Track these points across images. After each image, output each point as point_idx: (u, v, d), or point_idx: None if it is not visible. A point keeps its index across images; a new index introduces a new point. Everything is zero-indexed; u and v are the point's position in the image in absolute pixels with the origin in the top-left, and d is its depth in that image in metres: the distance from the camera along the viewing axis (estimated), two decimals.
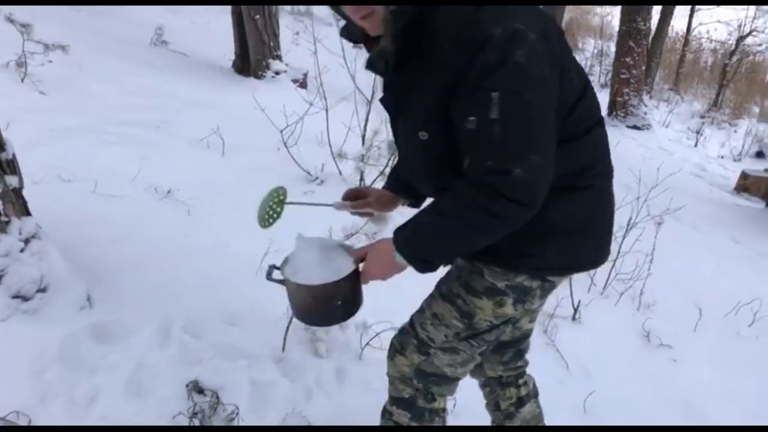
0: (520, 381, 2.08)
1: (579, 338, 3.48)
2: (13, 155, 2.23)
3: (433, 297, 1.74)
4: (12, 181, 2.21)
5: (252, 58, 6.87)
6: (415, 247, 1.49)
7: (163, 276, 2.64)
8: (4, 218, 2.15)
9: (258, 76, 6.83)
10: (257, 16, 6.73)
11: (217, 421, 1.98)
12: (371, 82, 4.15)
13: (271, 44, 6.92)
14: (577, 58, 1.65)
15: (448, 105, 1.38)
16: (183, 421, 1.94)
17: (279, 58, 7.05)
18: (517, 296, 1.63)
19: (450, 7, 1.37)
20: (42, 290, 2.18)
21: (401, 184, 1.86)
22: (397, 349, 1.80)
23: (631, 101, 12.30)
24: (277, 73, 6.85)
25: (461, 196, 1.40)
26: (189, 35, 8.57)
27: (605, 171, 1.64)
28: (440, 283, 1.75)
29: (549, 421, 2.16)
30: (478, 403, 2.17)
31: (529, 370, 2.13)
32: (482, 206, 1.36)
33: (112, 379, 2.04)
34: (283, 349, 2.44)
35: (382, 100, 1.59)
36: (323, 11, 12.64)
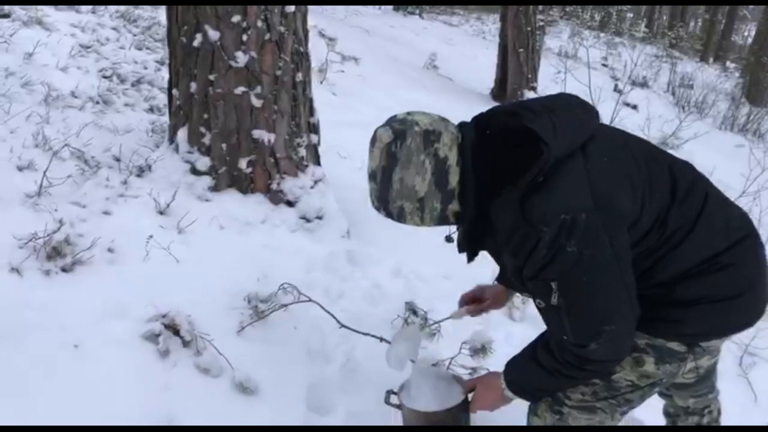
0: (706, 411, 2.02)
1: None
2: (318, 121, 3.09)
3: None
4: (314, 138, 3.07)
5: (509, 87, 7.54)
6: (523, 391, 1.69)
7: (400, 234, 3.32)
8: (305, 162, 3.01)
9: None
10: (521, 50, 7.38)
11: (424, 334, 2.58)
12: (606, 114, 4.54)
13: (529, 76, 7.52)
14: None
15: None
16: (399, 324, 2.55)
17: (534, 89, 7.62)
18: (659, 356, 1.56)
19: (499, 204, 1.45)
20: (319, 218, 2.99)
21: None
22: (531, 408, 1.77)
23: None
24: None
25: (556, 355, 1.53)
26: (457, 63, 9.54)
27: (742, 242, 1.55)
28: None
29: None
30: None
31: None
32: (575, 366, 1.51)
33: (355, 288, 2.76)
34: None
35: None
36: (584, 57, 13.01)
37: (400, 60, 8.28)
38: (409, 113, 1.50)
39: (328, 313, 2.40)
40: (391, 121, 1.49)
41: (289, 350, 2.37)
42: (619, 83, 10.79)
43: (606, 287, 1.40)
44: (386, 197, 1.49)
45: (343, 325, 2.40)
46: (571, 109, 1.52)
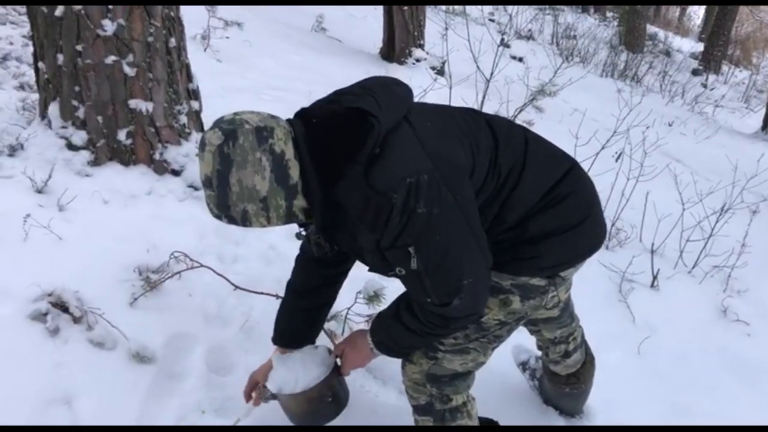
0: (570, 338, 2.21)
1: (652, 301, 3.68)
2: (197, 87, 3.05)
3: None
4: (195, 105, 3.03)
5: (397, 45, 7.60)
6: (391, 351, 1.75)
7: None
8: (187, 130, 2.97)
9: (400, 62, 7.55)
10: (405, 8, 7.45)
11: None
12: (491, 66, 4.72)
13: (416, 33, 7.62)
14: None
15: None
16: None
17: (421, 47, 7.73)
18: (524, 293, 1.68)
19: (346, 185, 1.44)
20: None
21: (291, 336, 1.97)
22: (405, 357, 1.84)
23: None
24: (417, 60, 7.54)
25: (420, 317, 1.58)
26: (346, 25, 9.51)
27: (570, 172, 1.69)
28: None
29: (602, 358, 2.46)
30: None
31: (594, 320, 2.38)
32: (439, 326, 1.58)
33: (250, 251, 2.79)
34: None
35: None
36: (476, 12, 13.26)
37: (286, 24, 8.16)
38: (236, 113, 1.45)
39: (221, 276, 2.42)
40: (218, 123, 1.43)
41: (185, 317, 2.38)
42: (506, 37, 11.10)
43: (458, 241, 1.47)
44: (226, 202, 1.42)
45: (237, 287, 2.43)
46: (388, 87, 1.58)
